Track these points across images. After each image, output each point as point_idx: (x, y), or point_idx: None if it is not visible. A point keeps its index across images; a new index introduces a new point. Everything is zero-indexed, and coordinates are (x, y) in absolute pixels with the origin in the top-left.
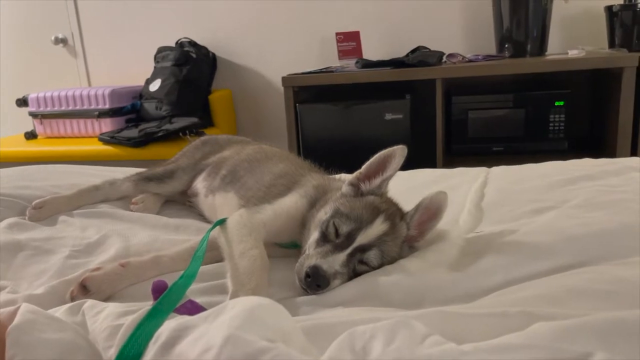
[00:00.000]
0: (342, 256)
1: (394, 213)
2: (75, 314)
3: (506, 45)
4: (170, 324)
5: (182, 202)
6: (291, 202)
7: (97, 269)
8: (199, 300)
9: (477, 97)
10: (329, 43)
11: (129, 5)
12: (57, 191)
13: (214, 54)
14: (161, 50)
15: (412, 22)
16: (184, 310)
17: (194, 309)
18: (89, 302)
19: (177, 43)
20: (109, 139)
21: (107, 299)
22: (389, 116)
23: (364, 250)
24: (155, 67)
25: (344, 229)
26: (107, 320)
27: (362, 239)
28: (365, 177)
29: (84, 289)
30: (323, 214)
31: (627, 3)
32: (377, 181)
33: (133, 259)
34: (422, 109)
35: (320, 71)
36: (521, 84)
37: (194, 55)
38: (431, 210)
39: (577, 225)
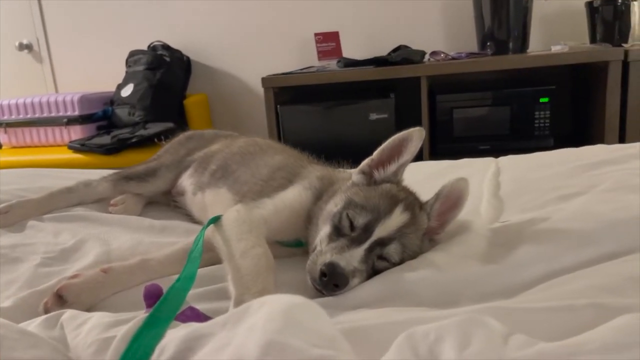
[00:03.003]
0: (359, 251)
1: (413, 202)
2: (52, 328)
3: (488, 44)
4: (177, 334)
5: (166, 202)
6: (294, 196)
7: (75, 276)
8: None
9: (461, 95)
10: (307, 44)
11: (98, 9)
12: (24, 195)
13: (188, 58)
14: (133, 54)
15: (392, 22)
16: (183, 319)
17: (194, 316)
18: (68, 313)
19: (149, 46)
20: (79, 146)
21: (87, 310)
22: (373, 116)
23: (383, 244)
24: (127, 72)
25: (360, 220)
26: (94, 332)
27: (380, 231)
28: (378, 164)
29: (60, 300)
30: (333, 205)
31: None
32: (392, 167)
33: (116, 264)
34: (406, 108)
35: (302, 71)
36: (504, 82)
37: (167, 59)
38: (452, 198)
39: (615, 210)
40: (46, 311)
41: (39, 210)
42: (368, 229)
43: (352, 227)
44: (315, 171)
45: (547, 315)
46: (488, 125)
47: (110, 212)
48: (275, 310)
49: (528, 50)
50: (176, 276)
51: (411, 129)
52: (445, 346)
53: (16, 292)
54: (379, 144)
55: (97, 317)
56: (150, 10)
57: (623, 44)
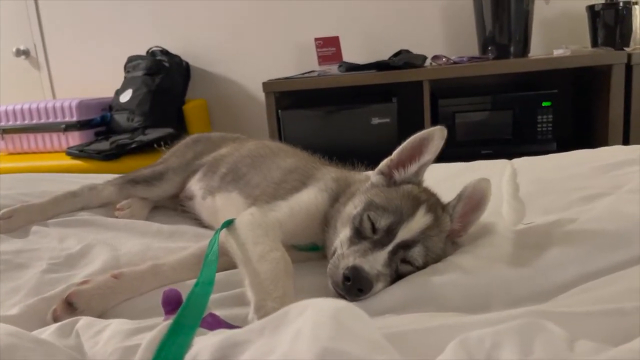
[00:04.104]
0: (383, 254)
1: (435, 204)
2: (67, 336)
3: (489, 48)
4: (209, 342)
5: (172, 207)
6: (309, 198)
7: (85, 282)
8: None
9: (463, 99)
10: (307, 49)
11: (96, 14)
12: (26, 200)
13: (187, 63)
14: (132, 59)
15: (392, 26)
16: (205, 325)
17: (215, 323)
18: (83, 320)
19: (148, 52)
20: (77, 152)
21: (97, 317)
22: (375, 120)
23: (406, 247)
24: (125, 77)
25: (382, 222)
26: (114, 340)
27: (404, 233)
28: (398, 164)
29: (70, 307)
30: (352, 207)
31: (608, 2)
32: (413, 168)
33: (127, 269)
34: (408, 113)
35: (303, 75)
36: (506, 86)
37: (166, 64)
38: (474, 199)
39: None
40: (55, 319)
41: (43, 215)
42: (391, 232)
43: (373, 229)
44: (329, 173)
45: (595, 319)
46: (490, 130)
47: (116, 217)
48: (322, 316)
49: (529, 55)
50: (190, 282)
51: (432, 128)
52: (504, 353)
53: (22, 300)
54: (382, 148)
55: (116, 325)
56: (149, 15)
57: (625, 48)
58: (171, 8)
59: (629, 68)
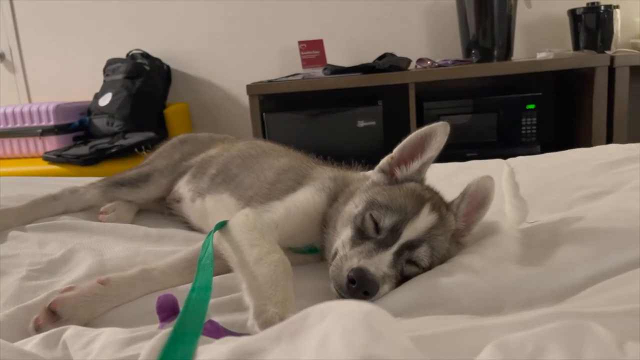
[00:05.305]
0: (388, 255)
1: (439, 202)
2: (53, 347)
3: (473, 51)
4: (217, 351)
5: (159, 210)
6: (306, 198)
7: (69, 288)
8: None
9: (448, 102)
10: (290, 53)
11: (73, 16)
12: (3, 204)
13: (168, 66)
14: (111, 62)
15: (376, 30)
16: (205, 333)
17: (214, 330)
18: (71, 330)
19: (128, 55)
20: (55, 157)
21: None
22: (361, 123)
23: (412, 247)
24: (104, 81)
25: (386, 222)
26: (108, 351)
27: (409, 233)
28: (399, 162)
29: (53, 315)
30: (353, 207)
31: (590, 6)
32: (415, 165)
33: (114, 275)
34: (394, 116)
35: (288, 78)
36: (490, 89)
37: (147, 68)
38: (478, 198)
39: None
40: (37, 329)
41: (21, 219)
42: (395, 231)
43: (377, 229)
44: (326, 172)
45: (621, 319)
46: (475, 132)
47: (100, 221)
48: (352, 320)
49: (512, 58)
50: (181, 287)
51: (435, 123)
52: (551, 358)
53: (2, 308)
54: (368, 151)
55: (109, 334)
56: (129, 17)
57: (606, 51)
58: (152, 10)
59: (611, 70)
